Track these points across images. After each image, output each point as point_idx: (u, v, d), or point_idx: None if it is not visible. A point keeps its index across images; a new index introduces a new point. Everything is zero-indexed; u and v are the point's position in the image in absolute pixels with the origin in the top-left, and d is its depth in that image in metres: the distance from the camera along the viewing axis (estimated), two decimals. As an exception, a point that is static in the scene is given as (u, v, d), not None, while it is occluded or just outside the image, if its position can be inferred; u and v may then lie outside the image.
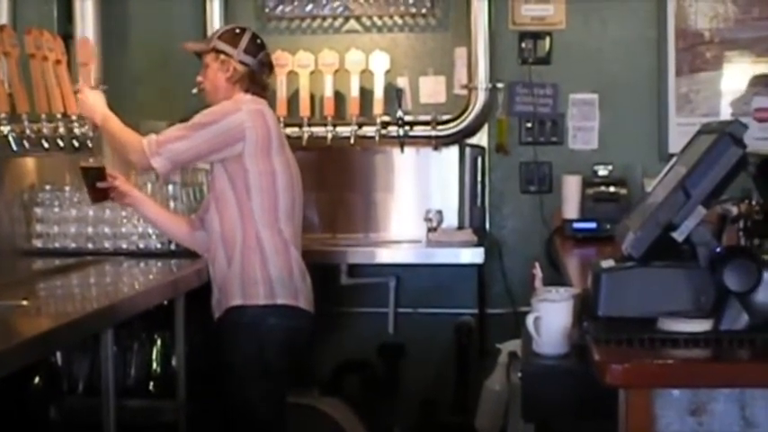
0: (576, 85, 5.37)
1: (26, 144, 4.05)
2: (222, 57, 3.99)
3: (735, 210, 2.94)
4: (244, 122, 3.83)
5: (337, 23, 5.51)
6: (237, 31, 4.07)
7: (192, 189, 4.68)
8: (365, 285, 5.37)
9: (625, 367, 2.26)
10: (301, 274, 3.96)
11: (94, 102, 4.08)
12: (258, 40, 4.09)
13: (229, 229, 3.86)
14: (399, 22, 5.47)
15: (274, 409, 3.95)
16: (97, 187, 4.07)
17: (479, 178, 5.35)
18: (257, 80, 4.05)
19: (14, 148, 3.99)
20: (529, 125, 5.39)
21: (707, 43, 5.26)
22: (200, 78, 4.08)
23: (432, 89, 5.44)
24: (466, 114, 5.28)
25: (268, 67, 4.12)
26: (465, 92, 5.32)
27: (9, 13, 4.46)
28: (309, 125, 5.29)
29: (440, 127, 5.29)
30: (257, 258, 3.84)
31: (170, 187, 4.58)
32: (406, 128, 5.27)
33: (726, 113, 5.21)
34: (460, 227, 5.31)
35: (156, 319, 3.92)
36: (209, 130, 3.83)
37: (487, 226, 5.39)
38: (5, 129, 3.94)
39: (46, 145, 4.19)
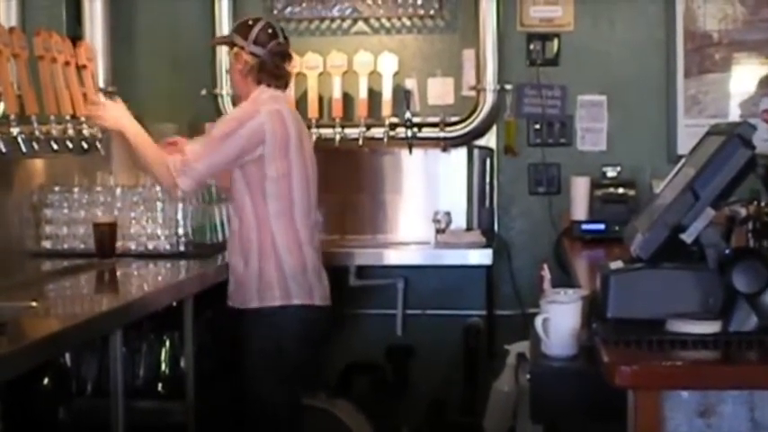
0: (584, 86, 5.37)
1: (35, 145, 4.05)
2: (236, 50, 4.06)
3: (743, 211, 2.94)
4: (263, 125, 3.90)
5: (346, 25, 5.51)
6: (250, 22, 4.11)
7: (202, 190, 4.67)
8: (373, 287, 5.37)
9: (634, 369, 2.26)
10: (315, 270, 4.05)
11: (121, 115, 4.04)
12: (270, 30, 4.09)
13: (246, 232, 3.96)
14: (408, 23, 5.47)
15: (289, 406, 4.02)
16: (105, 242, 4.24)
17: (488, 180, 5.35)
18: (268, 70, 4.06)
19: (23, 149, 3.98)
20: (537, 127, 5.39)
21: (715, 45, 5.26)
22: (229, 71, 4.32)
23: (440, 91, 5.44)
24: (474, 116, 5.28)
25: (281, 56, 4.10)
26: (473, 93, 5.32)
27: (18, 15, 4.47)
28: (318, 127, 5.29)
29: (448, 128, 5.29)
30: (272, 261, 3.94)
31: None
32: (415, 129, 5.28)
33: (734, 115, 5.20)
34: (469, 228, 5.31)
35: (164, 320, 3.92)
36: (233, 139, 3.88)
37: (496, 227, 5.39)
38: (15, 130, 3.94)
39: (55, 146, 4.19)
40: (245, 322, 4.01)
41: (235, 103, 5.15)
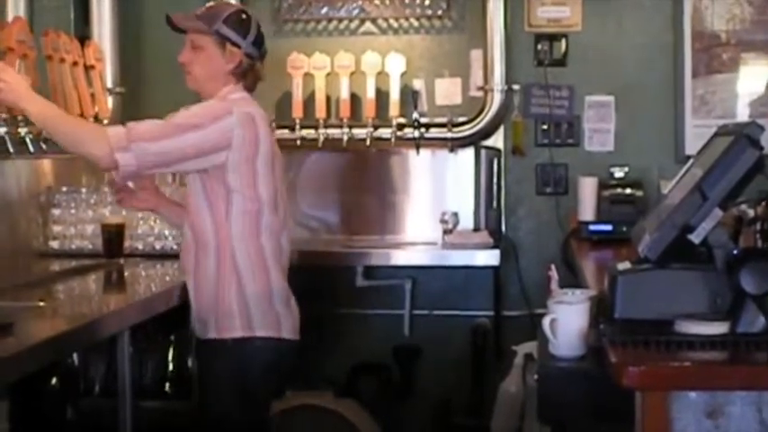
0: (591, 87, 5.36)
1: (43, 145, 4.06)
2: (229, 45, 3.61)
3: (751, 212, 2.95)
4: (233, 129, 3.47)
5: (353, 25, 5.51)
6: (244, 16, 3.69)
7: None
8: (381, 287, 5.37)
9: (642, 369, 2.26)
10: (283, 297, 3.62)
11: (19, 84, 3.44)
12: (261, 29, 3.73)
13: (202, 253, 3.57)
14: (415, 24, 5.47)
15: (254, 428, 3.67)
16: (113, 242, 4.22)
17: (495, 180, 5.34)
18: (255, 73, 3.73)
19: (31, 149, 4.00)
20: (545, 127, 5.38)
21: (723, 45, 5.25)
22: (185, 60, 3.67)
23: (447, 91, 5.44)
24: (482, 116, 5.28)
25: (263, 58, 3.78)
26: (481, 94, 5.32)
27: (26, 15, 4.47)
28: (325, 127, 5.29)
29: (456, 129, 5.29)
30: (233, 287, 3.53)
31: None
32: (422, 130, 5.27)
33: (743, 115, 5.19)
34: (476, 229, 5.31)
35: (172, 320, 3.92)
36: (198, 134, 3.43)
37: (503, 228, 5.38)
38: (22, 130, 3.95)
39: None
40: (203, 353, 3.65)
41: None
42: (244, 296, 3.52)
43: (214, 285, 3.54)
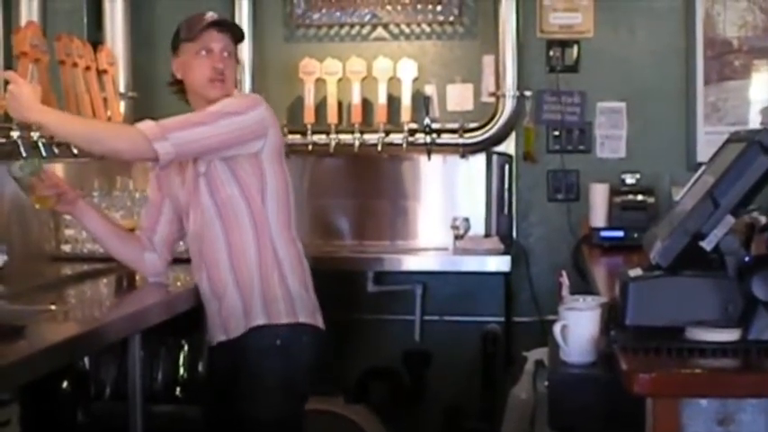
0: (603, 93, 5.36)
1: (55, 149, 4.07)
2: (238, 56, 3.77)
3: (763, 219, 2.94)
4: (267, 119, 3.54)
5: (365, 31, 5.51)
6: None
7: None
8: (391, 293, 5.37)
9: (652, 376, 2.26)
10: (313, 289, 3.69)
11: (30, 99, 3.37)
12: None
13: (241, 245, 3.56)
14: (427, 29, 5.47)
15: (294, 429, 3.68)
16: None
17: (506, 186, 5.34)
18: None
19: (44, 153, 4.00)
20: (556, 133, 5.38)
21: (735, 52, 5.24)
22: (223, 65, 3.61)
23: (459, 97, 5.44)
24: (493, 122, 5.28)
25: None
26: (493, 100, 5.32)
27: (39, 19, 4.47)
28: (337, 132, 5.30)
29: (467, 135, 5.29)
30: (276, 275, 3.55)
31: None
32: (434, 135, 5.27)
33: (754, 122, 5.18)
34: (487, 235, 5.31)
35: (183, 324, 3.92)
36: (233, 120, 3.44)
37: (514, 234, 5.38)
38: (35, 134, 3.96)
39: (75, 150, 4.21)
40: (245, 352, 3.56)
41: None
42: (286, 284, 3.56)
43: (257, 274, 3.54)
